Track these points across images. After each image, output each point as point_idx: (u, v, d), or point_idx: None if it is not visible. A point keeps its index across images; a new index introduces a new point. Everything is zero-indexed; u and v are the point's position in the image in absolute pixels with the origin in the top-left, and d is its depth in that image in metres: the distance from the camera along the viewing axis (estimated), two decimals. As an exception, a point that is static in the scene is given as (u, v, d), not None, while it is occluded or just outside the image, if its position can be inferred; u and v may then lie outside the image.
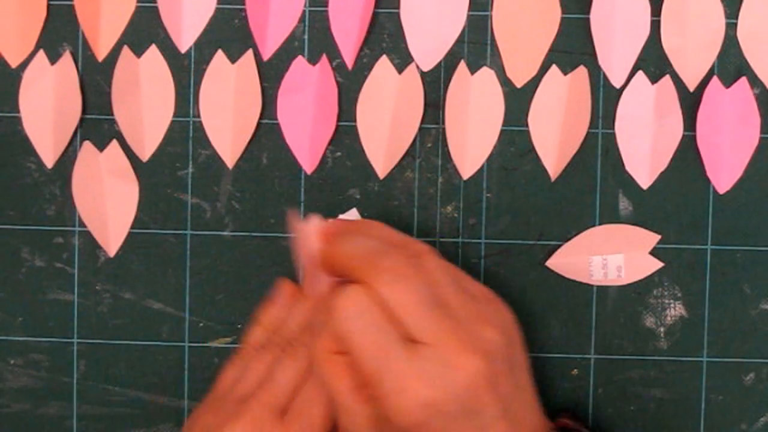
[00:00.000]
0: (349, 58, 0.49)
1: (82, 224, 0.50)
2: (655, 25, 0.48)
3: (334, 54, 0.49)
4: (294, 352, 0.44)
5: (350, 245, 0.40)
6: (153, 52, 0.49)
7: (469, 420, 0.37)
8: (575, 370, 0.49)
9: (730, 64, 0.49)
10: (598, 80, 0.49)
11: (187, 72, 0.49)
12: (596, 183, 0.49)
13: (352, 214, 0.49)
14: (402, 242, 0.41)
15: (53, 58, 0.49)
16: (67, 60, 0.49)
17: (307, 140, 0.49)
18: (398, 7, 0.49)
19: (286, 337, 0.45)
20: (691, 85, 0.49)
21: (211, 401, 0.45)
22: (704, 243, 0.49)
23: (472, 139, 0.49)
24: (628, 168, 0.49)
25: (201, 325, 0.50)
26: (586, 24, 0.49)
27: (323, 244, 0.41)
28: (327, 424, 0.42)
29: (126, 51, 0.49)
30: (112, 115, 0.49)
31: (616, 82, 0.49)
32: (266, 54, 0.49)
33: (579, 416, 0.47)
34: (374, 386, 0.37)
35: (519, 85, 0.49)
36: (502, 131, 0.49)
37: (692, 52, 0.48)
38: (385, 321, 0.37)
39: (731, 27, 0.48)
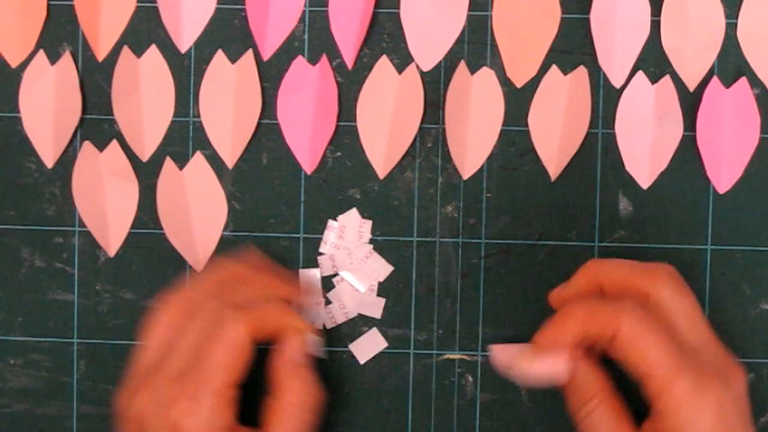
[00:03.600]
0: (349, 58, 0.49)
1: (82, 224, 0.50)
2: (655, 25, 0.48)
3: (334, 54, 0.49)
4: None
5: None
6: (153, 52, 0.49)
7: None
8: (575, 370, 0.49)
9: (730, 64, 0.49)
10: (598, 80, 0.49)
11: (187, 72, 0.49)
12: (596, 183, 0.49)
13: (352, 214, 0.49)
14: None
15: (53, 58, 0.49)
16: (67, 60, 0.49)
17: (307, 140, 0.49)
18: (398, 7, 0.49)
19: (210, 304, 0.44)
20: (691, 85, 0.49)
21: (142, 378, 0.43)
22: (704, 243, 0.49)
23: (472, 139, 0.49)
24: (628, 168, 0.49)
25: (201, 325, 0.50)
26: (586, 24, 0.49)
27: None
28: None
29: (126, 51, 0.49)
30: (112, 115, 0.49)
31: (616, 82, 0.49)
32: (266, 54, 0.49)
33: None
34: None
35: (519, 85, 0.49)
36: (502, 131, 0.49)
37: (692, 52, 0.48)
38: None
39: (731, 27, 0.48)
